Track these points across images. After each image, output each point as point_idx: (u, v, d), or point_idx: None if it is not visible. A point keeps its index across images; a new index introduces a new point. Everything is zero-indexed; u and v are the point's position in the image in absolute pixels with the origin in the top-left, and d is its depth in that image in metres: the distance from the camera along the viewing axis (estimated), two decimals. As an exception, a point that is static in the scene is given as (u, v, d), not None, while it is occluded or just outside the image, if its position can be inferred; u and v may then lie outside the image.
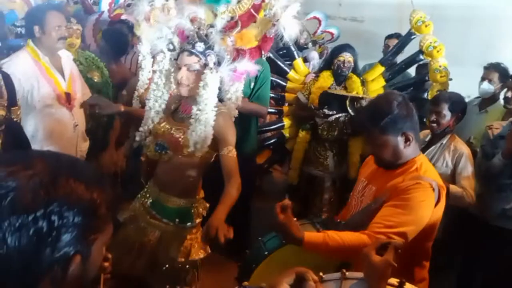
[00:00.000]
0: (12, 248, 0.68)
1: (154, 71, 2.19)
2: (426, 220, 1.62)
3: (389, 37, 4.43)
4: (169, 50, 2.04)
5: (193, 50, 1.97)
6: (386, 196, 1.65)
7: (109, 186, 0.80)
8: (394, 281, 1.22)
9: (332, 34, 5.50)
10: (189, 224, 2.18)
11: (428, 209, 1.63)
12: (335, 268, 1.51)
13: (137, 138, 2.20)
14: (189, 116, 2.02)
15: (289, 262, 1.56)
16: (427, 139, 2.76)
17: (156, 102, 2.15)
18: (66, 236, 0.71)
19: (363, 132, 2.65)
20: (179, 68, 1.99)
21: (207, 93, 1.97)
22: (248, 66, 2.00)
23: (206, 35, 1.96)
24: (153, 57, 2.17)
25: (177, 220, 2.15)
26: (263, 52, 2.13)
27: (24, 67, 2.55)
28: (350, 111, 3.17)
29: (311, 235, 1.58)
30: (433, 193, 1.63)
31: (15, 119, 2.30)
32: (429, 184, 1.63)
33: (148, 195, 2.22)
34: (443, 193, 1.69)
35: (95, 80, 3.14)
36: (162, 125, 2.12)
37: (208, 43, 1.96)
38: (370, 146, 1.81)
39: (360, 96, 3.21)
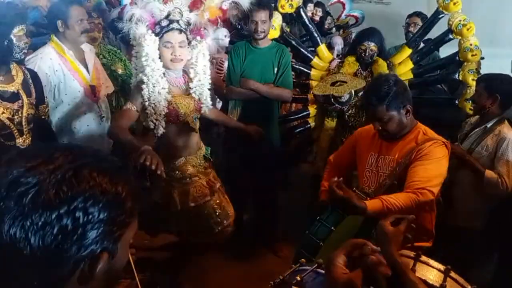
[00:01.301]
0: (36, 248, 0.65)
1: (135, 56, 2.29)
2: (446, 172, 1.94)
3: (410, 16, 4.24)
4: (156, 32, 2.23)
5: (181, 28, 2.23)
6: (408, 160, 1.95)
7: (133, 178, 0.77)
8: (410, 253, 1.42)
9: (356, 18, 5.38)
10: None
11: (446, 162, 1.96)
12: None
13: (152, 125, 2.33)
14: (188, 87, 2.40)
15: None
16: (473, 121, 2.69)
17: (157, 85, 2.25)
18: (92, 233, 0.68)
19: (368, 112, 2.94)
20: (170, 47, 2.22)
21: (202, 61, 2.37)
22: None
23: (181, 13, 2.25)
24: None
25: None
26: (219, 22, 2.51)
27: (50, 62, 2.62)
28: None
29: (371, 203, 1.80)
30: (446, 149, 1.96)
31: (43, 117, 2.37)
32: (441, 141, 1.97)
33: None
34: (449, 147, 2.02)
35: (119, 72, 3.20)
36: (186, 102, 2.36)
37: (187, 20, 2.27)
38: (377, 123, 2.03)
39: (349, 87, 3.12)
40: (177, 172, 2.40)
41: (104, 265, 0.71)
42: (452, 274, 1.36)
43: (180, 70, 2.37)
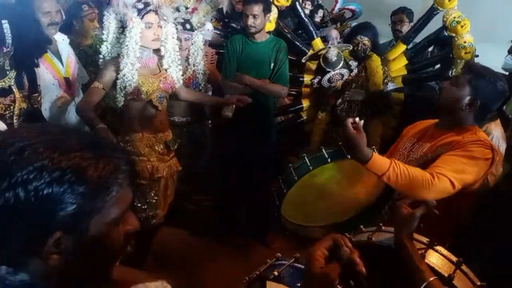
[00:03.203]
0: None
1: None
2: (481, 176, 1.77)
3: (395, 13, 4.09)
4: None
5: (156, 9, 2.36)
6: (445, 149, 1.80)
7: (104, 152, 0.73)
8: (424, 239, 1.37)
9: (352, 11, 5.28)
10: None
11: (485, 166, 1.77)
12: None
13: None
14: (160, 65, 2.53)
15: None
16: None
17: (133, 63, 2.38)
18: (38, 211, 0.66)
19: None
20: (151, 27, 2.34)
21: (171, 39, 2.51)
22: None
23: None
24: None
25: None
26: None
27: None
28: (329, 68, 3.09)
29: (379, 156, 1.67)
30: (491, 154, 1.78)
31: (35, 106, 2.33)
32: (490, 144, 1.80)
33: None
34: (497, 157, 1.82)
35: None
36: (151, 81, 2.45)
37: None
38: (445, 82, 2.00)
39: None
40: (129, 146, 2.46)
41: (63, 244, 0.68)
42: (464, 267, 1.32)
43: (151, 50, 2.47)
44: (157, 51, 2.52)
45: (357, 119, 1.65)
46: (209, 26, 3.16)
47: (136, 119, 2.47)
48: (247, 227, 3.45)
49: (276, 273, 1.12)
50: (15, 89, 2.15)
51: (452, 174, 1.68)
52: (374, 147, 1.76)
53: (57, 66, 2.68)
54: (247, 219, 3.49)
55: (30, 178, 0.65)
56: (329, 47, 3.10)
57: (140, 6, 2.32)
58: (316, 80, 3.18)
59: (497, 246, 2.66)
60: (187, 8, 2.61)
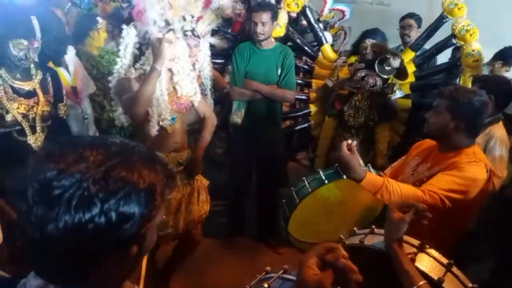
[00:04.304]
0: (72, 244, 0.69)
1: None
2: (473, 196, 1.80)
3: (404, 18, 4.12)
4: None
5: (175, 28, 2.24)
6: (442, 168, 1.86)
7: (161, 164, 0.78)
8: (415, 242, 1.38)
9: (342, 11, 5.16)
10: None
11: (478, 186, 1.81)
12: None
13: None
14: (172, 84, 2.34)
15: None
16: None
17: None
18: (125, 229, 0.71)
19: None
20: (169, 47, 2.18)
21: (184, 59, 2.37)
22: None
23: None
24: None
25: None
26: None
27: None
28: (377, 70, 3.08)
29: (372, 175, 1.78)
30: (486, 174, 1.83)
31: (61, 115, 2.36)
32: (484, 165, 1.84)
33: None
34: (492, 178, 1.88)
35: None
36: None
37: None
38: (430, 112, 1.99)
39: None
40: None
41: (133, 255, 0.75)
42: (454, 269, 1.32)
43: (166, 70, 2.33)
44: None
45: (349, 141, 1.79)
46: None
47: (147, 140, 2.30)
48: (254, 230, 3.46)
49: (266, 285, 1.12)
50: (39, 92, 2.18)
51: (442, 193, 1.76)
52: (369, 165, 1.91)
53: (64, 75, 2.72)
54: (254, 223, 3.50)
55: (121, 203, 0.69)
56: (399, 56, 3.10)
57: (162, 24, 2.19)
58: (359, 71, 3.14)
59: (504, 249, 2.69)
60: (193, 16, 2.57)
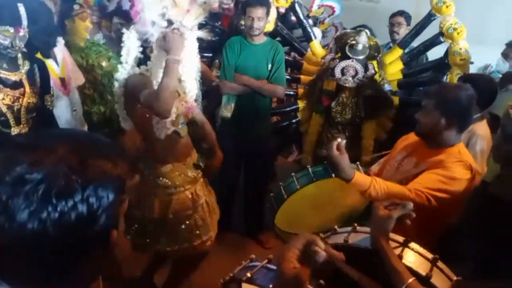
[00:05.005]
0: (55, 236, 0.67)
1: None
2: (457, 195, 1.84)
3: (394, 15, 4.19)
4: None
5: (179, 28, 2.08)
6: (428, 166, 1.89)
7: (123, 153, 0.81)
8: (400, 238, 1.39)
9: (332, 8, 5.12)
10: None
11: (462, 186, 1.85)
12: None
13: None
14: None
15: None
16: None
17: None
18: (104, 216, 0.71)
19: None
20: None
21: (189, 59, 2.22)
22: None
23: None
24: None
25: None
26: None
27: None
28: (351, 55, 3.04)
29: (361, 175, 1.82)
30: (470, 174, 1.87)
31: (48, 107, 2.32)
32: (469, 164, 1.87)
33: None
34: (477, 177, 1.93)
35: (104, 65, 3.17)
36: (176, 104, 2.14)
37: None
38: (419, 113, 1.98)
39: None
40: (162, 179, 2.27)
41: (113, 242, 0.76)
42: (439, 264, 1.34)
43: None
44: None
45: (339, 139, 1.81)
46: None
47: (162, 149, 2.23)
48: (241, 226, 3.46)
49: (249, 274, 1.12)
50: (26, 83, 2.14)
51: (428, 192, 1.79)
52: (358, 163, 1.95)
53: (52, 66, 2.65)
54: (242, 218, 3.50)
55: (99, 189, 0.70)
56: (366, 30, 3.08)
57: (164, 24, 2.04)
58: (333, 66, 3.10)
59: (489, 246, 2.73)
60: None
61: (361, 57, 3.05)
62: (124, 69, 2.15)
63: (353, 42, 3.04)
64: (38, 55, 2.26)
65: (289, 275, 0.85)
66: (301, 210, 2.03)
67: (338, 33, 3.11)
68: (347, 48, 3.06)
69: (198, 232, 2.37)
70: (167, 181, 2.27)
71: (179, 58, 2.01)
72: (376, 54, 3.18)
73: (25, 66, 2.16)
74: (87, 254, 0.73)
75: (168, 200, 2.28)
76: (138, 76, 2.14)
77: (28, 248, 0.67)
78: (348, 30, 3.32)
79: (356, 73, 3.05)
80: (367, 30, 3.10)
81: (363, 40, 3.03)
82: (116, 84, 2.18)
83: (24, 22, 1.99)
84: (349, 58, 3.04)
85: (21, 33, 2.00)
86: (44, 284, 0.72)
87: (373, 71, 3.12)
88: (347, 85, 3.08)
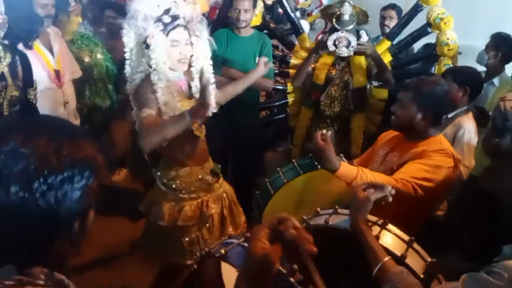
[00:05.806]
0: (41, 208, 0.71)
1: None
2: (441, 183, 1.84)
3: (385, 8, 4.18)
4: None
5: (185, 24, 1.99)
6: (411, 157, 1.90)
7: (96, 142, 0.83)
8: (379, 220, 1.43)
9: (320, 1, 5.10)
10: None
11: (445, 174, 1.86)
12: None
13: None
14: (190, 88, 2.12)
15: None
16: None
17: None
18: (83, 193, 0.76)
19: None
20: (178, 46, 1.98)
21: (203, 58, 2.10)
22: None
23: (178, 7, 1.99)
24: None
25: None
26: None
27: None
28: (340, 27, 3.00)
29: (347, 165, 1.80)
30: (452, 162, 1.89)
31: (31, 100, 2.29)
32: (451, 153, 1.90)
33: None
34: (458, 165, 1.94)
35: (98, 57, 3.15)
36: (190, 105, 1.99)
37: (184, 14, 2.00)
38: (395, 105, 2.00)
39: None
40: (178, 182, 2.16)
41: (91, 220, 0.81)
42: (415, 245, 1.39)
43: (182, 72, 2.10)
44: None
45: (324, 131, 1.80)
46: None
47: (179, 151, 2.12)
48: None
49: (223, 251, 1.11)
50: (8, 76, 2.11)
51: (414, 181, 1.80)
52: (342, 155, 1.93)
53: (47, 58, 2.63)
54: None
55: (83, 168, 0.76)
56: (347, 2, 3.04)
57: (167, 20, 1.95)
58: (325, 39, 3.05)
59: (479, 240, 2.72)
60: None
61: (350, 27, 3.02)
62: (130, 66, 2.07)
63: (338, 13, 3.03)
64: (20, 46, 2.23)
65: (257, 254, 0.82)
66: (287, 205, 2.01)
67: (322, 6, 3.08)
68: (334, 20, 3.04)
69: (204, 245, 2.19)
70: (181, 185, 2.16)
71: (191, 120, 1.87)
72: (364, 18, 3.17)
73: (6, 59, 2.13)
74: (65, 231, 0.76)
75: (181, 205, 2.16)
76: (143, 89, 2.00)
77: (11, 219, 0.72)
78: (332, 3, 3.29)
79: (349, 43, 3.00)
80: (349, 0, 3.07)
81: (347, 10, 3.00)
82: (129, 82, 2.11)
83: (1, 8, 1.96)
84: (338, 30, 3.02)
85: (0, 21, 1.96)
86: (21, 263, 0.73)
87: (366, 37, 3.13)
88: (342, 55, 3.03)
